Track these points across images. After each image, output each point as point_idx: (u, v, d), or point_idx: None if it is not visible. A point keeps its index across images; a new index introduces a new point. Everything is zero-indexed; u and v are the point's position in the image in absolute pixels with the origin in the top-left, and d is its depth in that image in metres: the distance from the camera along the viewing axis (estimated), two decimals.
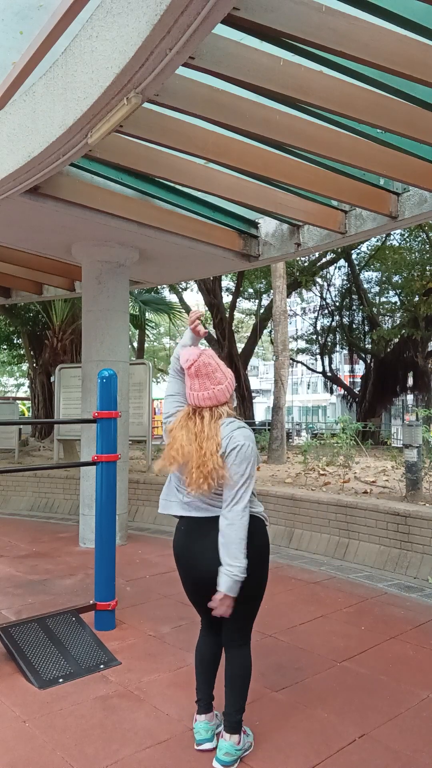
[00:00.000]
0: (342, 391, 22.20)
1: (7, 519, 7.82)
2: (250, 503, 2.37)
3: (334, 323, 18.68)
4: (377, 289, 17.94)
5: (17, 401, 16.94)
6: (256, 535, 2.37)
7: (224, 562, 2.27)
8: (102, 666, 3.30)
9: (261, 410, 31.67)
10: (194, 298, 20.96)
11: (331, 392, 26.06)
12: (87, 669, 3.25)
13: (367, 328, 17.57)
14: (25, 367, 19.92)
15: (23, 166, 3.92)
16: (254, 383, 30.70)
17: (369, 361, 17.47)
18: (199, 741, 2.50)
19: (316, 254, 14.43)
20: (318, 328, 19.44)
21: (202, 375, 2.43)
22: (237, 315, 20.73)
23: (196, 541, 2.44)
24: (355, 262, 16.73)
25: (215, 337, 15.35)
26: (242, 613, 2.41)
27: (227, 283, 17.71)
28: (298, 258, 14.30)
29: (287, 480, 7.35)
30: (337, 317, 18.42)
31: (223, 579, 2.27)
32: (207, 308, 15.37)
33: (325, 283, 18.31)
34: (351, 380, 21.72)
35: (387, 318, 17.77)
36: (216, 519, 2.37)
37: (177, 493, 2.50)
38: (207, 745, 2.48)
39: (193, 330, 2.57)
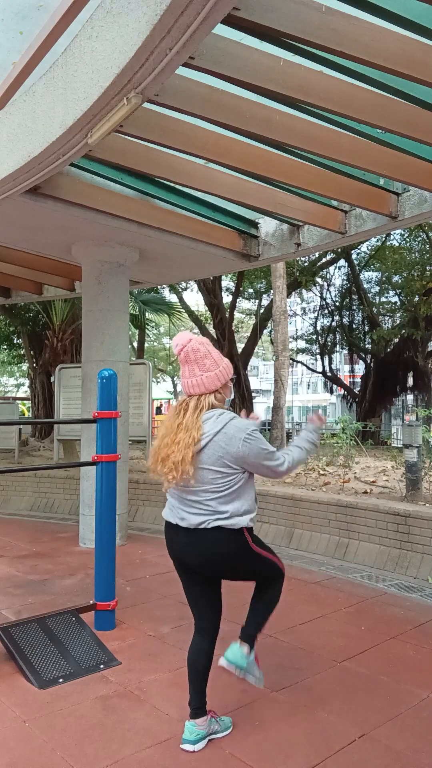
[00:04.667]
0: (342, 391, 22.18)
1: (7, 519, 7.82)
2: (243, 507, 2.37)
3: (334, 323, 18.66)
4: (377, 289, 17.93)
5: (17, 401, 16.92)
6: (230, 541, 2.37)
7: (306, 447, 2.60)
8: (102, 666, 3.30)
9: (261, 410, 31.68)
10: (194, 298, 20.93)
11: (331, 392, 26.04)
12: (87, 669, 3.25)
13: (367, 328, 17.55)
14: (25, 367, 19.91)
15: (23, 166, 3.92)
16: (254, 383, 30.72)
17: (369, 361, 17.46)
18: (183, 740, 2.51)
19: (316, 254, 14.43)
20: (318, 328, 19.41)
21: (191, 361, 2.39)
22: (237, 315, 20.74)
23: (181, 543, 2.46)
24: (355, 262, 16.72)
25: (215, 337, 15.35)
26: (255, 572, 2.52)
27: (227, 283, 17.70)
28: (298, 258, 14.30)
29: (287, 480, 7.34)
30: (337, 317, 18.40)
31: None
32: (207, 308, 15.37)
33: (325, 283, 18.29)
34: (351, 380, 21.69)
35: (387, 318, 17.75)
36: (200, 530, 2.35)
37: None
38: (187, 746, 2.47)
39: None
